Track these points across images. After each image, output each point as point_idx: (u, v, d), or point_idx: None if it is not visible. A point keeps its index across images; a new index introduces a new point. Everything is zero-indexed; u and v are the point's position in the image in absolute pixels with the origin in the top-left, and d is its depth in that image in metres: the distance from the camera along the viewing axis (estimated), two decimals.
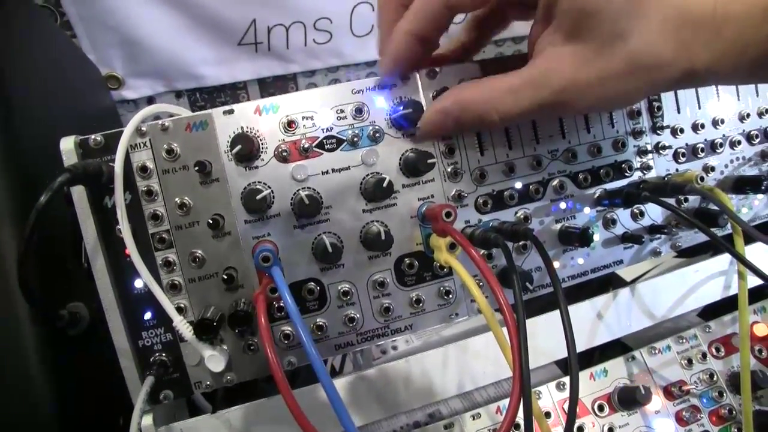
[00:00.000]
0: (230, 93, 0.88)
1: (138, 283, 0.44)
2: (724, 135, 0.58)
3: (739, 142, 0.58)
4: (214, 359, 0.43)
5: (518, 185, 0.51)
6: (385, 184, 0.44)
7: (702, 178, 0.52)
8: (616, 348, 0.61)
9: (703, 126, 0.57)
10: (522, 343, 0.35)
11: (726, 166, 0.58)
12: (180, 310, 0.44)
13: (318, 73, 0.91)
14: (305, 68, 0.89)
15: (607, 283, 0.66)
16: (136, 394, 0.44)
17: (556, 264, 0.52)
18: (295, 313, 0.37)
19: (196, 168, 0.42)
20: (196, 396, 0.66)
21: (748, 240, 0.52)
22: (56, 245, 0.45)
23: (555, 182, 0.51)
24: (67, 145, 0.42)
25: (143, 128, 0.43)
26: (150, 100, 0.85)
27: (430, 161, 0.45)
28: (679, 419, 0.53)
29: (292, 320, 0.37)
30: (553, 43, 0.38)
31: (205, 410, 0.61)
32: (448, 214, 0.42)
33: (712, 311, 0.62)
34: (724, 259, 0.58)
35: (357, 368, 0.60)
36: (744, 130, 0.59)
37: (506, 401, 0.51)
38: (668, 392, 0.53)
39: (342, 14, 0.85)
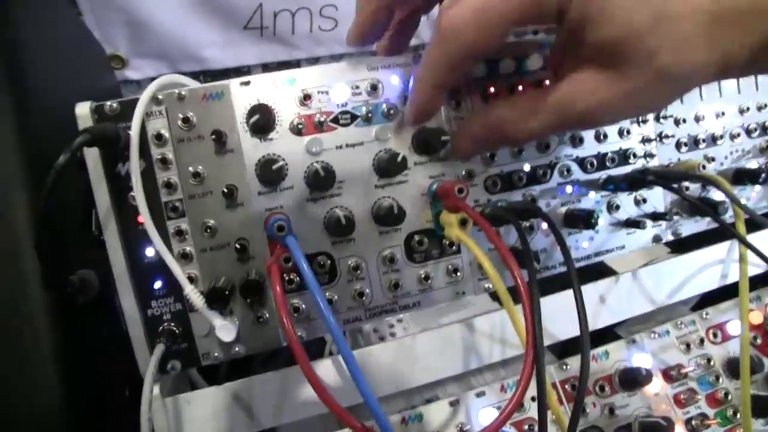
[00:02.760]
0: (234, 77, 0.87)
1: (149, 252, 0.44)
2: (724, 127, 0.60)
3: (739, 135, 0.60)
4: (225, 328, 0.43)
5: (526, 167, 0.51)
6: (399, 159, 0.44)
7: (704, 167, 0.54)
8: (607, 336, 0.61)
9: (704, 117, 0.58)
10: (535, 313, 0.36)
11: (726, 157, 0.60)
12: (191, 279, 0.43)
13: (322, 60, 0.90)
14: (310, 55, 0.89)
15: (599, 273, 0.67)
16: (144, 363, 0.44)
17: None
18: (312, 280, 0.37)
19: (213, 137, 0.42)
20: (194, 377, 0.66)
21: (749, 229, 0.54)
22: (66, 211, 0.45)
23: (561, 165, 0.52)
24: (83, 110, 0.42)
25: (159, 96, 0.43)
26: None
27: (443, 138, 0.45)
28: (678, 401, 0.54)
29: (309, 288, 0.37)
30: (577, 68, 0.36)
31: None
32: (460, 190, 0.43)
33: (702, 300, 0.64)
34: (722, 249, 0.59)
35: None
36: (743, 124, 0.60)
37: (509, 380, 0.52)
38: (667, 375, 0.54)
39: (348, 2, 0.85)
